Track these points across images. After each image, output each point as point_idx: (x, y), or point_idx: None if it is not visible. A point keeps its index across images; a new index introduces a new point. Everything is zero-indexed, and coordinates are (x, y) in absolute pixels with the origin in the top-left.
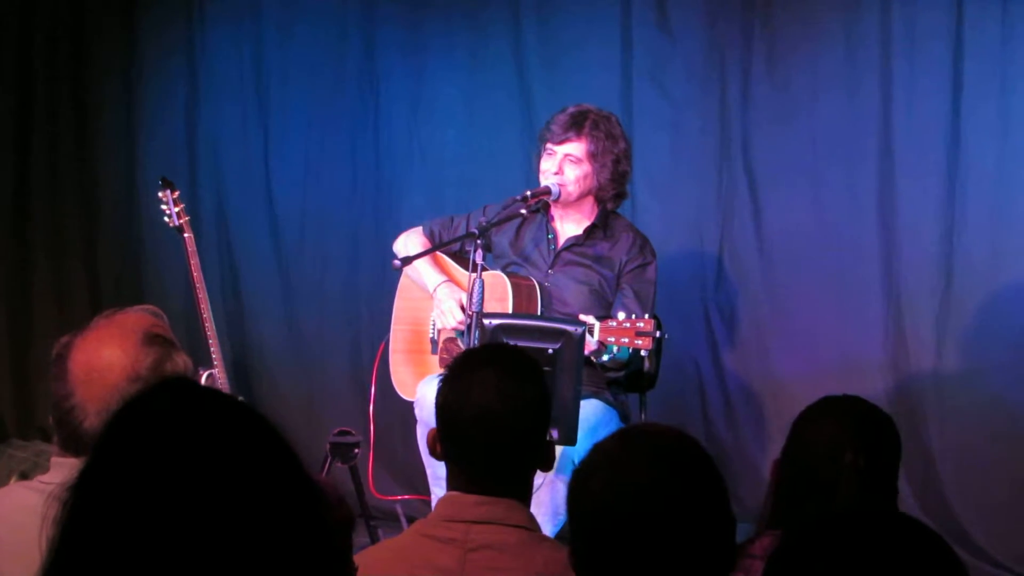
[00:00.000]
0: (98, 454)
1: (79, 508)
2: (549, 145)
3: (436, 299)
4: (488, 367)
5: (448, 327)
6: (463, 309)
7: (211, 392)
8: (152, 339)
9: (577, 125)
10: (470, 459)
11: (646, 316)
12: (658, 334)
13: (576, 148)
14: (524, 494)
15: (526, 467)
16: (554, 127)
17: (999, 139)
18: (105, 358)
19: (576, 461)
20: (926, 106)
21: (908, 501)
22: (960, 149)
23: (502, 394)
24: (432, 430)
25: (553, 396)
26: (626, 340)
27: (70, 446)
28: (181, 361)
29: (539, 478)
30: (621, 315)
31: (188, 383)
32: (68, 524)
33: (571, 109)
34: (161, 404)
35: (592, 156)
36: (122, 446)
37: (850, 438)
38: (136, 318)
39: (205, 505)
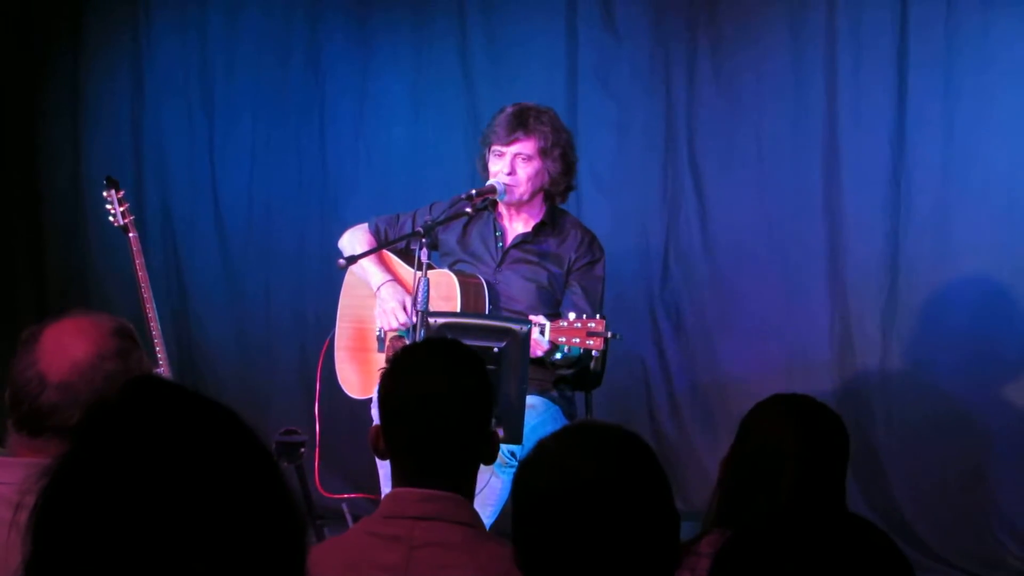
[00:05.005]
0: (77, 448)
1: (57, 507)
2: (496, 147)
3: (379, 299)
4: (431, 357)
5: (390, 328)
6: (406, 310)
7: (192, 393)
8: (122, 331)
9: (522, 123)
10: (414, 451)
11: (597, 316)
12: (609, 335)
13: (525, 146)
14: (468, 489)
15: (470, 459)
16: (498, 129)
17: (944, 138)
18: (75, 336)
19: (515, 455)
20: (871, 104)
21: (855, 498)
22: (905, 148)
23: (446, 381)
24: (375, 426)
25: (498, 395)
26: (577, 340)
27: (24, 425)
28: (145, 360)
29: (481, 481)
30: (572, 315)
31: (169, 383)
32: (46, 525)
33: (510, 109)
34: (143, 402)
35: (542, 151)
36: (103, 443)
37: (798, 437)
38: (108, 315)
39: (188, 507)
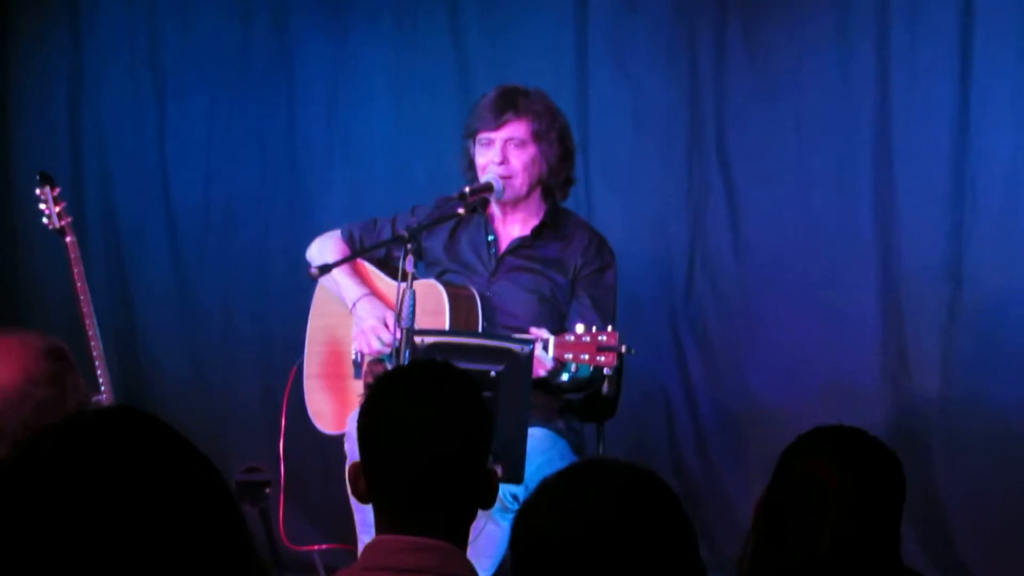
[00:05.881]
0: (4, 490)
1: None
2: (483, 135)
3: (356, 316)
4: (417, 381)
5: (370, 350)
6: (388, 328)
7: (156, 423)
8: (53, 352)
9: (511, 104)
10: (399, 492)
11: (608, 328)
12: (623, 349)
13: (517, 129)
14: (462, 537)
15: (464, 502)
16: (484, 113)
17: (1014, 122)
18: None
19: (517, 498)
20: (930, 84)
21: (910, 547)
22: (969, 136)
23: (435, 410)
24: (353, 464)
25: (496, 427)
26: (586, 357)
27: None
28: (82, 385)
29: (476, 528)
30: (580, 328)
31: (132, 410)
32: None
33: (493, 92)
34: (86, 439)
35: (536, 135)
36: (35, 485)
37: (844, 476)
38: (37, 334)
39: (136, 561)
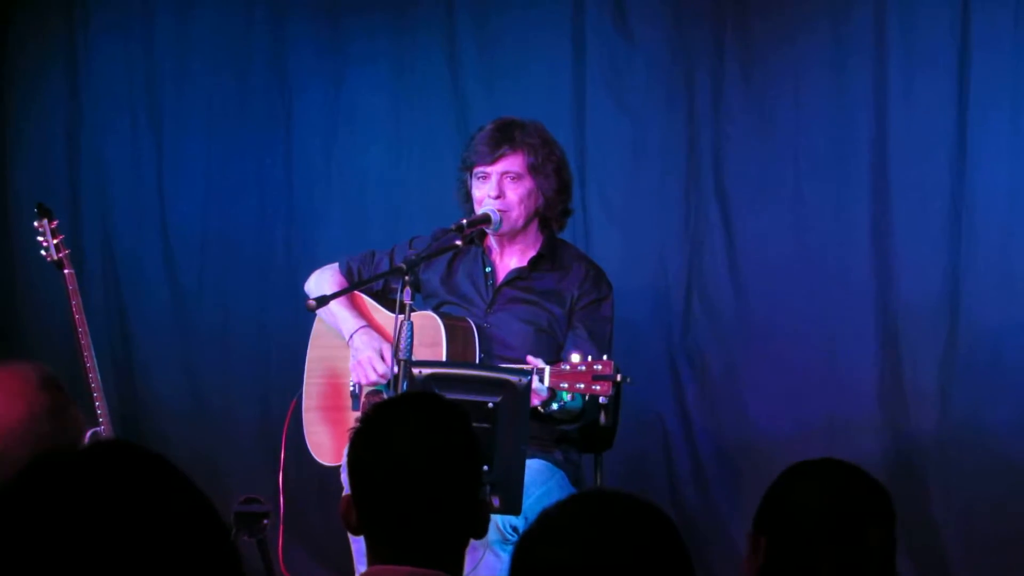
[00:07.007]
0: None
1: None
2: (480, 168)
3: (353, 348)
4: (405, 416)
5: (366, 381)
6: (384, 360)
7: (153, 458)
8: (50, 383)
9: (508, 138)
10: (389, 525)
11: (604, 358)
12: (618, 378)
13: (514, 162)
14: (456, 567)
15: (456, 531)
16: (480, 147)
17: (1012, 153)
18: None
19: (517, 530)
20: (927, 115)
21: None
22: (966, 171)
23: (424, 441)
24: (345, 496)
25: (494, 458)
26: (581, 386)
27: None
28: (79, 416)
29: (475, 559)
30: (575, 357)
31: (128, 445)
32: None
33: (490, 125)
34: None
35: (533, 168)
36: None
37: (834, 508)
38: (30, 364)
39: None
